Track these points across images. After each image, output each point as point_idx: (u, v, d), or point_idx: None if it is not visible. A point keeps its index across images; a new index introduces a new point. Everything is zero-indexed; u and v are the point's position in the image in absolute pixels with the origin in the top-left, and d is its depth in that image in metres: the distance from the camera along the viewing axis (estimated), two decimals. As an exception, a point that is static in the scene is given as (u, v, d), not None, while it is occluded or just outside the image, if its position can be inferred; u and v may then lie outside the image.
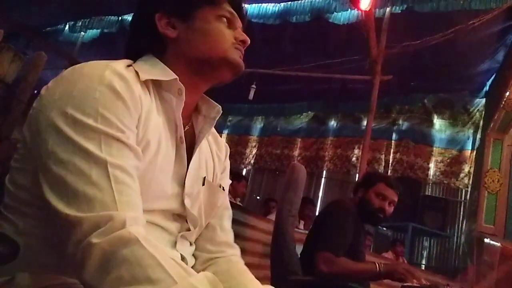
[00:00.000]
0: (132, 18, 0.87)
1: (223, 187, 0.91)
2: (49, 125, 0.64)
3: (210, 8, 0.81)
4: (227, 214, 0.93)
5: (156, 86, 0.77)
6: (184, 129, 0.80)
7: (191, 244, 0.84)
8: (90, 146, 0.62)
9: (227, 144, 0.98)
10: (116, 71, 0.69)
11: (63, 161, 0.61)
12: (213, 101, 0.89)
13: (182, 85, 0.77)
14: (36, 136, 0.66)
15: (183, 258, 0.78)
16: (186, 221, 0.81)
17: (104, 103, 0.65)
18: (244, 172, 7.71)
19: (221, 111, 0.88)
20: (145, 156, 0.70)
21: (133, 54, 0.81)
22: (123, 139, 0.65)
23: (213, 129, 0.91)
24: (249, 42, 0.85)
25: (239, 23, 0.86)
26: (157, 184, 0.73)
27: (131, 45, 0.85)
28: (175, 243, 0.78)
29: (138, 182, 0.66)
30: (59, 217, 0.59)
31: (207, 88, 0.87)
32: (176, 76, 0.77)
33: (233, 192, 4.41)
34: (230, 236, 0.93)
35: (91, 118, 0.63)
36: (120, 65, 0.72)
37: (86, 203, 0.59)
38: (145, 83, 0.74)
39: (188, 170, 0.80)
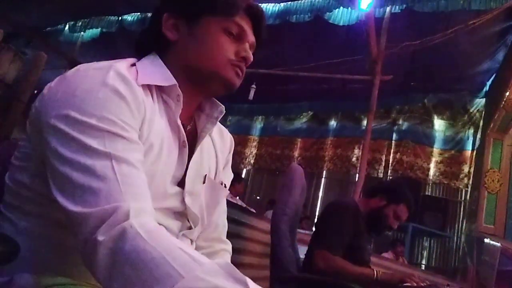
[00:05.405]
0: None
1: (224, 184, 0.91)
2: (50, 127, 0.64)
3: (218, 18, 0.79)
4: (223, 209, 0.94)
5: (158, 87, 0.77)
6: (186, 128, 0.80)
7: (192, 242, 0.85)
8: (94, 144, 0.61)
9: (232, 138, 0.98)
10: (119, 74, 0.68)
11: (67, 159, 0.61)
12: (216, 100, 0.88)
13: (180, 91, 0.77)
14: (39, 136, 0.66)
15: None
16: (187, 220, 0.81)
17: (107, 105, 0.64)
18: (244, 172, 7.71)
19: (224, 111, 0.87)
20: (147, 159, 0.70)
21: (141, 50, 0.82)
22: (126, 136, 0.65)
23: (219, 123, 0.90)
24: (251, 60, 0.82)
25: (249, 38, 0.82)
26: (158, 186, 0.73)
27: (140, 41, 0.85)
28: None
29: (144, 174, 0.65)
30: (67, 215, 0.59)
31: (205, 96, 0.86)
32: (176, 82, 0.76)
33: (233, 192, 4.43)
34: (223, 231, 0.94)
35: (94, 118, 0.63)
36: (124, 66, 0.72)
37: (92, 197, 0.58)
38: (149, 87, 0.74)
39: (189, 168, 0.80)
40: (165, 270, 0.51)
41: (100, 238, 0.55)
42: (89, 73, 0.68)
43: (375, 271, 1.75)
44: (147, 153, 0.70)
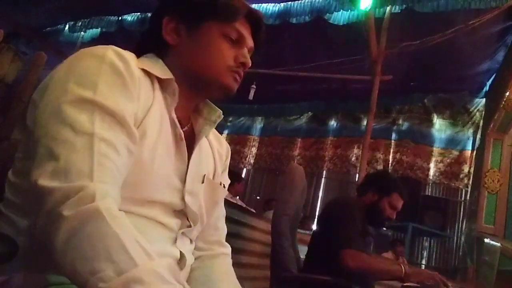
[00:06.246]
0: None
1: (223, 185, 0.92)
2: (49, 101, 0.65)
3: (218, 23, 0.80)
4: (222, 213, 0.95)
5: (157, 80, 0.78)
6: (183, 129, 0.81)
7: (191, 241, 0.85)
8: (82, 118, 0.62)
9: (228, 146, 0.99)
10: (118, 52, 0.71)
11: (52, 132, 0.61)
12: (214, 105, 0.89)
13: (176, 86, 0.78)
14: (36, 115, 0.67)
15: (182, 256, 0.78)
16: (187, 218, 0.81)
17: (104, 78, 0.66)
18: (244, 172, 7.71)
19: (222, 116, 0.88)
20: (144, 142, 0.71)
21: (141, 52, 0.82)
22: (117, 115, 0.65)
23: (214, 129, 0.92)
24: (249, 65, 0.83)
25: (248, 43, 0.84)
26: (158, 174, 0.74)
27: (138, 43, 0.85)
28: (175, 240, 0.78)
29: (125, 160, 0.65)
30: (34, 188, 0.58)
31: (202, 98, 0.88)
32: (172, 77, 0.78)
33: (233, 191, 4.43)
34: (222, 234, 0.95)
35: (90, 91, 0.64)
36: (123, 50, 0.73)
37: (63, 170, 0.58)
38: (148, 75, 0.76)
39: (189, 167, 0.80)
40: (122, 256, 0.52)
41: (66, 213, 0.55)
42: (90, 52, 0.70)
43: (402, 267, 1.73)
44: (143, 136, 0.71)
